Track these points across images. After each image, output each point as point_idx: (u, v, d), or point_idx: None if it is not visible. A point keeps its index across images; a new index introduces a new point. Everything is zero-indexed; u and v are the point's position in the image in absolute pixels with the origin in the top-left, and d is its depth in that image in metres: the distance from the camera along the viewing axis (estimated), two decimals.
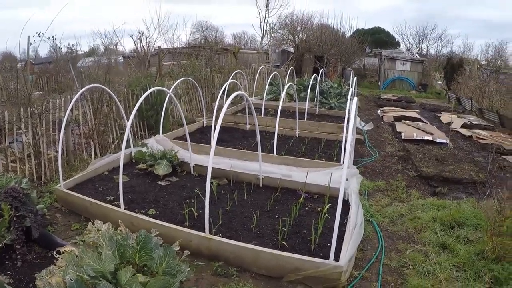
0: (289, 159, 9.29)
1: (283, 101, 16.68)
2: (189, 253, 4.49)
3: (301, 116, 13.05)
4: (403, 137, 12.90)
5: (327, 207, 6.48)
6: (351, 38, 35.22)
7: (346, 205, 6.84)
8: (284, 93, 11.60)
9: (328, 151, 10.38)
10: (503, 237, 5.72)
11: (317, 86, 16.55)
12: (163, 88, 8.95)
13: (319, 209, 6.81)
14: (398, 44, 53.39)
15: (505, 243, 5.61)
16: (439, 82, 34.15)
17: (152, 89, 8.06)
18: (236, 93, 6.96)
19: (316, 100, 16.45)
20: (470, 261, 5.65)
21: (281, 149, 10.06)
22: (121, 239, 4.07)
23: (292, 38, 33.73)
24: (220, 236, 5.72)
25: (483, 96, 22.14)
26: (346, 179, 7.91)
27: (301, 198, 7.00)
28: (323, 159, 9.60)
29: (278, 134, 11.24)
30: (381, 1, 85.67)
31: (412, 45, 54.57)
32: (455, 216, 6.87)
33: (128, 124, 6.94)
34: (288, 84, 13.21)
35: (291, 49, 35.29)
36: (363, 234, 6.25)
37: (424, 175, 9.21)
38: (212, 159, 5.58)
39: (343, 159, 8.56)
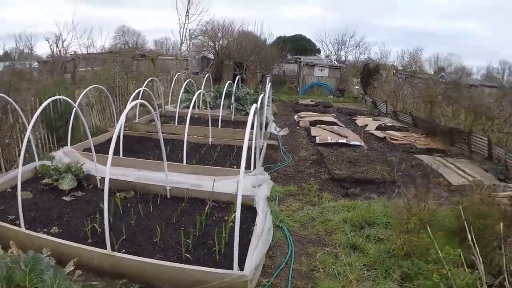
0: (199, 168, 9.05)
1: (200, 109, 16.59)
2: (81, 272, 4.16)
3: (216, 124, 12.89)
4: (317, 141, 13.09)
5: (233, 215, 6.30)
6: (272, 45, 35.71)
7: (254, 212, 6.70)
8: (194, 99, 11.33)
9: (240, 158, 10.22)
10: (410, 234, 5.80)
11: (233, 92, 16.49)
12: (64, 98, 8.38)
13: (226, 218, 6.62)
14: (318, 51, 54.99)
15: (412, 240, 5.69)
16: (356, 87, 35.44)
17: (52, 98, 7.52)
18: (135, 102, 6.67)
19: (232, 107, 16.36)
20: (381, 260, 5.69)
21: (192, 158, 9.80)
22: (10, 262, 3.73)
23: (213, 44, 33.63)
24: (123, 252, 5.37)
25: (397, 100, 23.14)
26: (253, 186, 7.85)
27: (207, 208, 6.78)
28: (235, 167, 9.44)
29: (191, 142, 11.04)
30: (304, 9, 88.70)
31: (331, 52, 56.42)
32: (365, 216, 6.94)
33: (26, 136, 6.35)
34: (198, 92, 12.99)
35: (211, 56, 35.14)
36: (272, 241, 6.14)
37: (336, 177, 9.32)
38: (109, 170, 5.23)
39: (254, 165, 8.51)
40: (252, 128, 12.67)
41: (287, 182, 9.16)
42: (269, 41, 36.19)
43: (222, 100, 15.16)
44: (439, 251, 4.98)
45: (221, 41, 33.76)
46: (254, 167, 8.75)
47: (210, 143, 11.56)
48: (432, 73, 47.42)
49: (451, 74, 38.99)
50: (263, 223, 6.23)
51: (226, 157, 10.31)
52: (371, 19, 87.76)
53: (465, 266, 4.79)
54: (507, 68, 66.93)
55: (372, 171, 9.83)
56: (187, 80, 17.91)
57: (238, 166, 9.31)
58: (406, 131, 17.32)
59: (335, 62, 41.38)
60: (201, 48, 35.54)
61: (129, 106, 6.23)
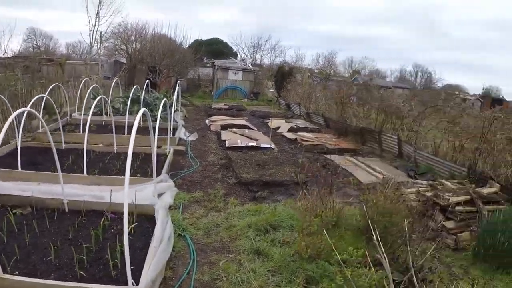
0: (101, 179, 8.50)
1: (108, 115, 15.78)
2: None
3: (123, 131, 12.35)
4: (227, 145, 12.89)
5: (132, 227, 5.93)
6: (187, 49, 35.26)
7: (154, 222, 6.35)
8: (105, 106, 10.75)
9: (145, 166, 9.77)
10: (313, 236, 5.72)
11: (142, 98, 15.92)
12: None
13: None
14: (235, 54, 55.22)
15: (315, 242, 5.61)
16: (271, 90, 35.88)
17: None
18: (20, 110, 6.10)
19: (140, 113, 15.76)
20: (285, 264, 5.56)
21: (95, 168, 9.23)
22: None
23: (125, 48, 32.44)
24: (16, 274, 4.88)
25: (310, 101, 23.58)
26: (156, 195, 7.50)
27: (103, 221, 6.33)
28: (138, 175, 9.00)
29: (96, 151, 10.49)
30: (221, 13, 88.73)
31: (247, 55, 56.95)
32: (270, 220, 6.80)
33: None
34: (99, 97, 12.36)
35: (124, 60, 33.90)
36: (174, 251, 5.84)
37: (243, 181, 9.16)
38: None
39: (156, 173, 8.13)
40: (163, 134, 12.35)
41: (193, 188, 8.85)
42: (185, 45, 35.65)
43: (128, 106, 14.56)
44: (342, 253, 4.94)
45: (134, 45, 32.65)
46: (158, 175, 8.39)
47: (115, 152, 10.97)
48: (347, 75, 49.15)
49: (365, 76, 40.45)
50: (162, 232, 5.90)
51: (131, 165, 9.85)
52: (287, 24, 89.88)
53: (372, 266, 4.72)
54: (419, 71, 70.98)
55: (281, 173, 9.78)
56: (92, 86, 17.09)
57: (143, 175, 8.92)
58: (319, 132, 17.60)
59: (250, 65, 41.68)
60: (113, 51, 34.22)
61: (12, 117, 5.67)
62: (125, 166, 9.15)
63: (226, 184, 9.25)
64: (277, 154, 12.07)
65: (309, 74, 35.53)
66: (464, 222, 7.30)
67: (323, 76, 34.85)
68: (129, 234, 5.70)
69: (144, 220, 6.63)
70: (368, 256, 4.74)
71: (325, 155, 12.91)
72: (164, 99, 11.14)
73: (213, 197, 8.28)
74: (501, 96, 48.64)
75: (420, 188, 8.89)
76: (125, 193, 4.77)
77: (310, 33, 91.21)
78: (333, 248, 4.94)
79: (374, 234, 4.68)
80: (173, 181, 8.84)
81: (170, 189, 8.08)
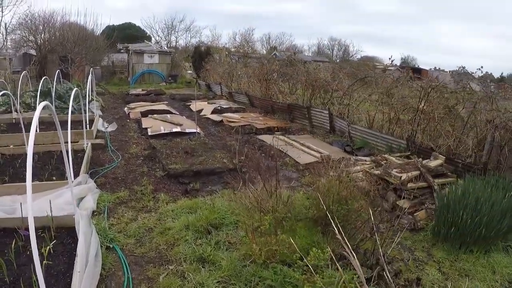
0: (12, 187, 7.03)
1: (19, 112, 13.84)
2: None
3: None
4: (149, 133, 11.67)
5: (50, 246, 4.75)
6: (100, 36, 33.12)
7: (76, 236, 5.14)
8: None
9: (61, 166, 8.26)
10: (266, 237, 4.83)
11: (53, 90, 14.19)
12: None
13: (43, 250, 4.95)
14: (149, 38, 52.92)
15: (271, 243, 4.72)
16: (189, 72, 34.54)
17: None
18: None
19: (53, 106, 13.96)
20: (237, 271, 4.67)
21: (4, 175, 7.72)
22: None
23: (34, 38, 29.53)
24: None
25: (231, 80, 22.59)
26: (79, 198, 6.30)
27: (14, 242, 5.02)
28: (54, 178, 7.61)
29: (5, 154, 9.13)
30: None
31: (161, 38, 54.89)
32: (210, 218, 5.82)
33: None
34: (3, 92, 10.67)
35: (34, 52, 31.02)
36: (104, 269, 4.77)
37: (172, 173, 8.05)
38: None
39: (72, 174, 6.88)
40: (79, 128, 10.93)
41: (117, 187, 7.60)
42: (97, 32, 33.44)
43: (38, 100, 12.86)
44: (301, 251, 4.10)
45: (42, 35, 29.85)
46: (76, 176, 7.15)
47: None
48: (265, 52, 48.50)
49: (283, 52, 39.90)
50: (86, 249, 4.74)
51: (45, 166, 8.29)
52: (201, 4, 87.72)
53: (336, 261, 3.93)
54: (336, 44, 71.59)
55: (211, 160, 8.80)
56: None
57: (59, 177, 7.57)
58: (244, 112, 16.75)
59: (165, 47, 39.96)
60: (21, 44, 31.15)
61: None
62: (40, 169, 7.86)
63: (153, 178, 8.09)
64: (205, 139, 11.03)
65: (226, 53, 34.50)
66: (417, 200, 6.72)
67: (241, 54, 33.88)
68: (48, 254, 4.55)
69: (64, 235, 5.39)
70: (331, 252, 3.96)
71: (255, 136, 12.07)
72: (76, 89, 9.69)
73: (141, 195, 7.13)
74: (417, 66, 49.80)
75: (364, 165, 8.26)
76: (28, 206, 3.60)
77: (225, 13, 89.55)
78: (296, 249, 4.09)
79: (335, 227, 3.88)
80: (94, 181, 7.61)
81: (92, 191, 6.85)
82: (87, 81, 17.13)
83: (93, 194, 6.75)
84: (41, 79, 15.11)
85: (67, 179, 6.82)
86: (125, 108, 16.83)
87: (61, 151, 9.24)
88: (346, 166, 8.87)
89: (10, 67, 26.15)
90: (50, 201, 5.78)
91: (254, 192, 5.56)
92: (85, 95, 15.54)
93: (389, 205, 6.79)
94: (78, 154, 8.76)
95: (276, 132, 12.50)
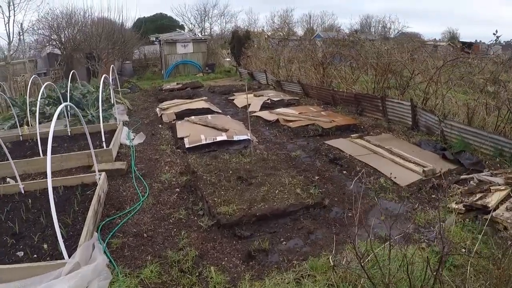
0: None
1: (29, 126, 11.29)
2: None
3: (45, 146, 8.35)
4: (187, 146, 8.93)
5: None
6: (131, 30, 31.11)
7: None
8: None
9: (63, 218, 5.63)
10: None
11: (69, 94, 11.57)
12: None
13: None
14: (182, 27, 50.44)
15: None
16: (228, 59, 31.81)
17: None
18: None
19: (68, 115, 11.20)
20: None
21: None
22: None
23: (57, 37, 27.31)
24: None
25: (278, 67, 19.76)
26: None
27: None
28: (45, 246, 4.89)
29: None
30: None
31: (194, 26, 52.31)
32: None
33: None
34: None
35: (58, 51, 28.88)
36: None
37: (224, 222, 5.27)
38: None
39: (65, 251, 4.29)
40: (96, 143, 8.36)
41: (141, 253, 4.88)
42: (128, 26, 31.43)
43: (40, 110, 10.36)
44: None
45: (66, 31, 27.59)
46: (73, 246, 4.59)
47: (22, 191, 6.72)
48: (302, 34, 45.27)
49: (326, 32, 36.61)
50: None
51: (38, 219, 5.61)
52: None
53: None
54: (375, 21, 66.98)
55: (279, 191, 6.06)
56: None
57: (51, 245, 4.94)
58: (299, 105, 13.96)
59: (199, 35, 37.37)
60: (44, 44, 29.01)
61: None
62: (32, 224, 5.26)
63: (195, 230, 5.31)
64: (262, 152, 8.25)
65: (266, 36, 31.64)
66: None
67: (281, 37, 30.99)
68: None
69: None
70: None
71: (324, 141, 9.28)
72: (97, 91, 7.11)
73: (179, 274, 4.36)
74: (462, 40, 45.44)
75: (499, 192, 5.49)
76: None
77: None
78: None
79: None
80: (107, 242, 5.01)
81: (99, 277, 4.19)
82: (112, 78, 14.60)
83: (100, 282, 4.10)
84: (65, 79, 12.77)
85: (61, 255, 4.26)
86: (157, 109, 14.01)
87: (64, 186, 6.70)
88: (467, 192, 6.09)
89: (31, 70, 23.88)
90: None
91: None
92: (107, 99, 13.00)
93: None
94: (86, 193, 6.18)
95: (351, 136, 9.59)
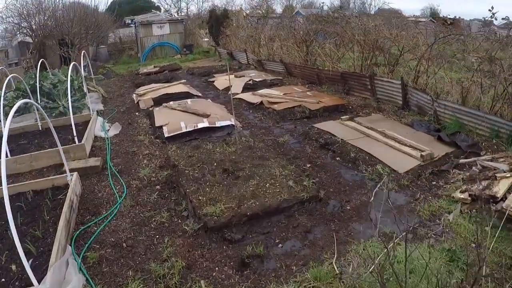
0: None
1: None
2: None
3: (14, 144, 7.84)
4: (166, 135, 8.31)
5: None
6: (105, 13, 30.05)
7: None
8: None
9: (31, 231, 4.94)
10: None
11: (37, 85, 10.76)
12: None
13: None
14: (158, 8, 49.05)
15: None
16: (206, 39, 30.91)
17: None
18: None
19: (35, 109, 10.37)
20: None
21: None
22: None
23: (27, 24, 26.07)
24: None
25: (259, 46, 19.08)
26: None
27: None
28: (13, 267, 4.24)
29: None
30: None
31: (170, 6, 50.98)
32: None
33: None
34: None
35: (29, 39, 27.66)
36: None
37: (211, 224, 4.71)
38: None
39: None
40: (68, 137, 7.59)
41: (121, 269, 4.30)
42: (102, 9, 30.34)
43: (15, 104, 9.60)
44: None
45: (36, 18, 26.34)
46: (41, 267, 4.03)
47: None
48: (281, 11, 44.32)
49: (306, 9, 35.81)
50: None
51: (6, 233, 4.77)
52: None
53: None
54: None
55: (270, 185, 5.53)
56: None
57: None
58: (282, 85, 13.39)
59: (175, 15, 36.35)
60: (14, 32, 27.76)
61: None
62: (1, 242, 4.56)
63: (180, 235, 4.76)
64: (247, 139, 7.66)
65: (244, 14, 30.83)
66: None
67: (260, 15, 30.17)
68: None
69: None
70: None
71: (312, 124, 8.76)
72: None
73: None
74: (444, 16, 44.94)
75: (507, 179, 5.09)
76: None
77: None
78: None
79: None
80: (83, 257, 4.44)
81: None
82: (84, 65, 13.65)
83: None
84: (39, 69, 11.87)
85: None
86: (134, 95, 13.20)
87: (32, 190, 6.02)
88: (470, 179, 5.65)
89: (1, 61, 22.91)
90: None
91: None
92: (79, 87, 12.23)
93: None
94: (58, 197, 5.56)
95: (341, 117, 9.05)
